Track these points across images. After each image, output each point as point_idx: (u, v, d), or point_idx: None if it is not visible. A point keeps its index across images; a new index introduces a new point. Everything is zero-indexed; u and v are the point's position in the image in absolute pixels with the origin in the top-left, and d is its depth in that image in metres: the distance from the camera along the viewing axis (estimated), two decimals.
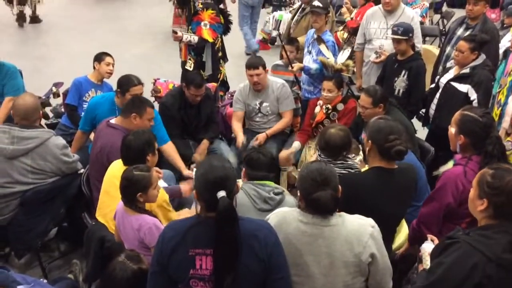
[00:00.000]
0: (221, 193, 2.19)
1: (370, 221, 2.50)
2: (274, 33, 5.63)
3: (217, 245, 2.20)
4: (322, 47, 5.03)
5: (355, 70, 5.55)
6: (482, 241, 2.21)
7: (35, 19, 10.91)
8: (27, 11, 10.67)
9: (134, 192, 2.95)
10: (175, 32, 5.97)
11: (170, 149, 4.41)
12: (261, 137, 4.92)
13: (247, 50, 9.50)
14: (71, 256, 4.19)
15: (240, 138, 4.91)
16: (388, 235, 3.11)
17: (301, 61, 5.54)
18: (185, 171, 4.44)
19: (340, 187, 2.48)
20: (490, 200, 2.24)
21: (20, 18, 10.59)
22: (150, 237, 2.90)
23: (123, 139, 3.44)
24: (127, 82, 4.34)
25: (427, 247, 2.64)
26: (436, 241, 2.68)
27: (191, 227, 2.28)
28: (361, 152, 4.16)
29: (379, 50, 5.41)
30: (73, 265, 3.95)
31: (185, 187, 3.84)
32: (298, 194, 2.52)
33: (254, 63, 4.87)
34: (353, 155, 3.71)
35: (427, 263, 2.55)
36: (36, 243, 3.97)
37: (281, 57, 5.82)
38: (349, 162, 3.37)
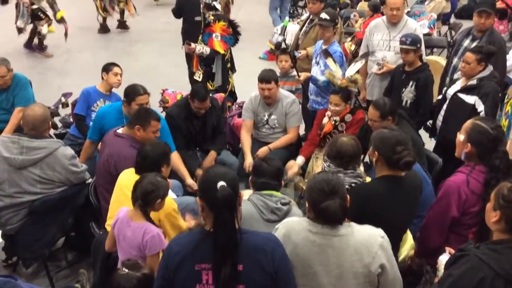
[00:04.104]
0: (221, 183, 2.21)
1: (379, 232, 2.49)
2: (280, 38, 5.65)
3: (216, 234, 2.20)
4: (329, 61, 5.03)
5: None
6: (491, 256, 2.20)
7: (123, 25, 11.15)
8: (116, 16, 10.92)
9: (155, 198, 2.99)
10: (188, 44, 6.01)
11: (175, 158, 4.44)
12: (262, 151, 4.93)
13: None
14: (78, 266, 4.20)
15: (248, 161, 4.88)
16: (396, 244, 3.11)
17: (309, 70, 5.56)
18: (189, 180, 4.45)
19: (348, 196, 2.48)
20: (503, 213, 2.23)
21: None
22: (152, 244, 2.93)
23: (140, 149, 3.47)
24: (133, 92, 4.37)
25: (444, 259, 2.63)
26: None
27: (197, 242, 2.27)
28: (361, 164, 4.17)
29: (382, 61, 5.42)
30: (80, 275, 3.97)
31: (189, 218, 3.73)
32: (306, 205, 2.52)
33: (266, 77, 4.86)
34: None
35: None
36: (43, 252, 3.99)
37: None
38: (358, 171, 3.37)
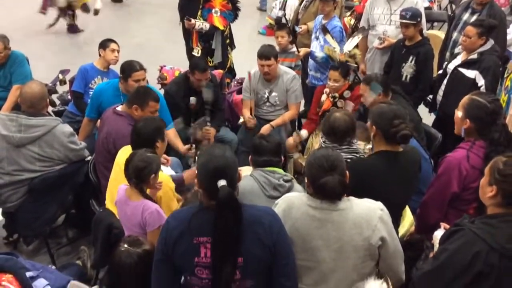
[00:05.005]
0: (221, 182, 2.18)
1: (379, 205, 2.50)
2: (280, 13, 5.58)
3: (215, 233, 2.19)
4: (328, 37, 4.98)
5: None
6: (486, 230, 2.21)
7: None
8: None
9: (149, 173, 3.00)
10: (188, 19, 5.94)
11: (171, 134, 4.41)
12: (265, 129, 4.90)
13: (261, 6, 11.25)
14: (79, 243, 4.23)
15: (247, 115, 4.93)
16: (395, 219, 3.12)
17: (310, 46, 5.51)
18: (182, 148, 4.44)
19: (347, 172, 2.48)
20: (499, 188, 2.24)
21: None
22: (151, 220, 2.95)
23: (134, 126, 3.46)
24: (129, 68, 4.33)
25: (439, 234, 2.64)
26: None
27: (195, 216, 2.27)
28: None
29: (383, 36, 5.37)
30: (81, 252, 4.00)
31: (187, 172, 3.83)
32: (306, 180, 2.52)
33: (265, 53, 4.79)
34: (364, 143, 3.68)
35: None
36: (44, 229, 4.01)
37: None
38: (354, 147, 3.37)
